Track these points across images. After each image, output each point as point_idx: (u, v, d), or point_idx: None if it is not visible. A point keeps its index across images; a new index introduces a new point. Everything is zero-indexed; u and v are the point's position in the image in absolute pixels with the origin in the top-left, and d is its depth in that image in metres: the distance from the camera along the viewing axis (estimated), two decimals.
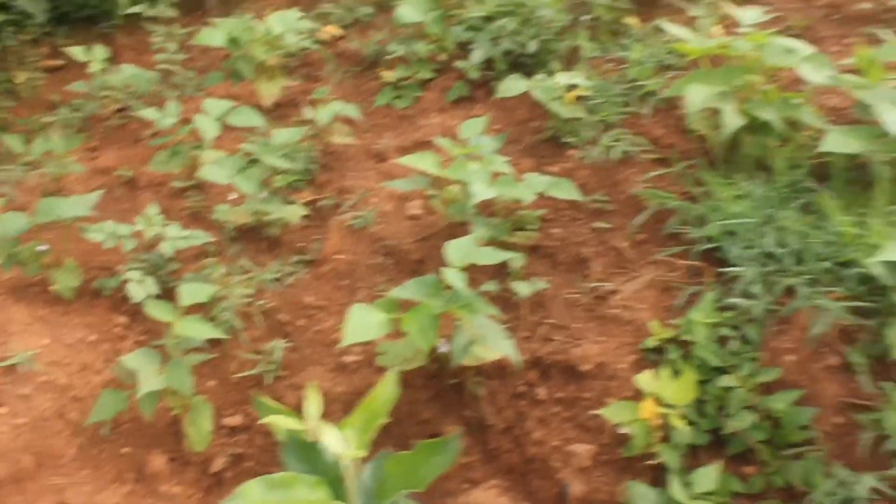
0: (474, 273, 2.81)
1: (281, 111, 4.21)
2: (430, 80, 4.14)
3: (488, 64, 3.97)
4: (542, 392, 2.63)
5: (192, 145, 3.62)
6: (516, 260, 2.86)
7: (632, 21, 4.05)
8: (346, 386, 2.83)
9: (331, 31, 4.75)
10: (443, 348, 2.62)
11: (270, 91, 4.23)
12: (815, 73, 2.87)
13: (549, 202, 3.12)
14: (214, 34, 4.15)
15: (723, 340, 2.53)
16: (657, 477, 2.36)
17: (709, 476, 2.25)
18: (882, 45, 2.96)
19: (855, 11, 4.02)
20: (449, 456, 1.78)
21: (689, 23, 3.74)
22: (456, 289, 2.46)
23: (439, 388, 2.74)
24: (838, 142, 2.67)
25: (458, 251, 2.57)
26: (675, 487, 2.23)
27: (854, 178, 2.82)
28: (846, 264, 2.51)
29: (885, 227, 2.46)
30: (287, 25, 4.26)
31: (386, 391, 1.87)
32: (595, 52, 3.90)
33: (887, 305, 2.38)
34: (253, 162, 3.47)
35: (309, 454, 1.84)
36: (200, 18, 4.89)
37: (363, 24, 4.85)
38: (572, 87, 3.48)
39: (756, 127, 2.97)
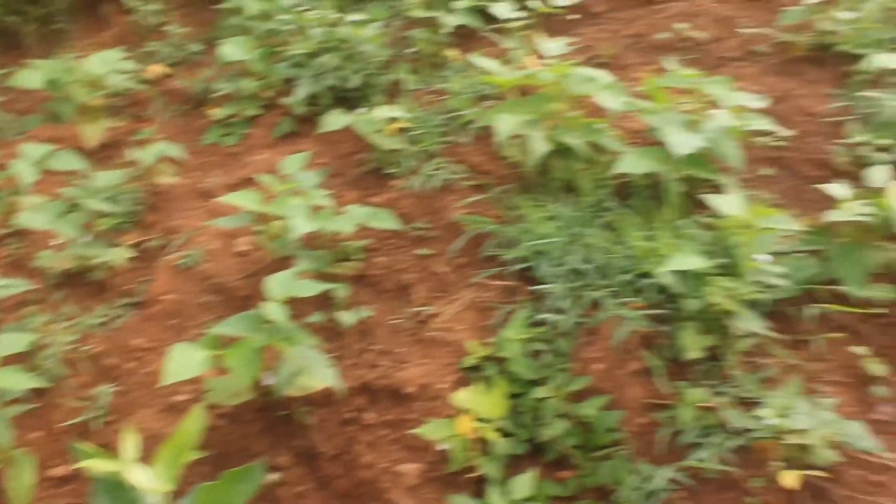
0: (301, 305, 2.88)
1: (106, 153, 4.15)
2: (257, 116, 4.19)
3: (313, 99, 4.05)
4: (369, 417, 2.70)
5: (10, 191, 3.53)
6: (340, 290, 2.93)
7: (451, 54, 4.22)
8: (177, 426, 2.81)
9: (157, 69, 4.72)
10: (269, 381, 2.65)
11: (94, 133, 4.17)
12: (612, 100, 3.09)
13: (374, 232, 3.21)
14: (32, 76, 4.07)
15: (536, 354, 2.68)
16: (482, 489, 2.47)
17: (525, 483, 2.37)
18: (668, 73, 3.21)
19: (656, 41, 4.33)
20: (254, 483, 1.82)
21: (505, 54, 3.94)
22: (277, 322, 2.51)
23: (269, 420, 2.77)
24: (632, 163, 2.88)
25: (279, 285, 2.61)
26: (494, 496, 2.34)
27: (652, 195, 3.04)
28: (643, 276, 2.71)
29: (673, 240, 2.67)
30: (109, 66, 4.22)
31: (191, 425, 1.90)
32: (416, 85, 4.04)
33: (678, 311, 2.58)
34: (75, 206, 3.42)
35: (122, 494, 1.84)
36: (18, 59, 4.76)
37: (191, 62, 4.85)
38: (394, 119, 3.59)
39: (563, 151, 3.16)
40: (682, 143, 2.76)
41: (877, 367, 2.58)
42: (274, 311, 2.53)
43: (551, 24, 4.54)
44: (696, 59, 4.13)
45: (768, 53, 4.11)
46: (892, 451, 2.39)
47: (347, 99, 4.01)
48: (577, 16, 4.70)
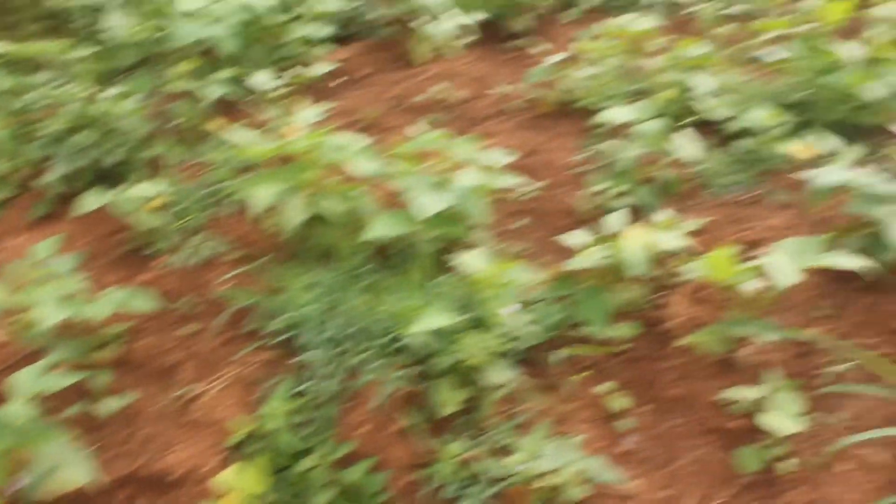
0: (60, 398, 2.76)
1: None
2: (11, 199, 4.00)
3: (71, 179, 3.91)
4: None
5: None
6: (100, 377, 2.84)
7: (214, 125, 4.21)
8: None
9: None
10: (19, 485, 2.51)
11: None
12: (365, 166, 3.18)
13: (136, 314, 3.13)
14: None
15: (301, 425, 2.69)
16: None
17: None
18: (417, 136, 3.35)
19: (417, 102, 4.51)
20: None
21: (266, 124, 3.98)
22: (24, 421, 2.40)
23: None
24: (381, 227, 2.97)
25: (25, 381, 2.51)
26: None
27: (409, 257, 3.15)
28: (401, 337, 2.79)
29: (425, 299, 2.77)
30: None
31: None
32: (179, 159, 4.00)
33: (434, 369, 2.68)
34: None
35: None
36: None
37: None
38: (155, 195, 3.54)
39: (321, 219, 3.21)
40: (427, 204, 2.87)
41: (621, 402, 2.77)
42: (20, 409, 2.42)
43: (317, 89, 4.64)
44: (454, 118, 4.33)
45: (520, 110, 4.37)
46: (637, 477, 2.57)
47: (107, 176, 3.91)
48: (343, 79, 4.83)
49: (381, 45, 5.17)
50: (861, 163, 3.57)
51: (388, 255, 3.18)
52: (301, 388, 2.77)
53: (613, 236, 3.03)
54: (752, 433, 2.65)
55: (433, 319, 2.58)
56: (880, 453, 2.59)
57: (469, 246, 3.13)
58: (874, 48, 4.31)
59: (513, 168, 3.63)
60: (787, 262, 2.67)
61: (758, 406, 2.68)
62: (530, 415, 2.68)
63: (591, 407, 2.77)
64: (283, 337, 2.95)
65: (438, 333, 2.66)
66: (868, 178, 3.22)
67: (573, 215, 3.59)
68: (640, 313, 3.05)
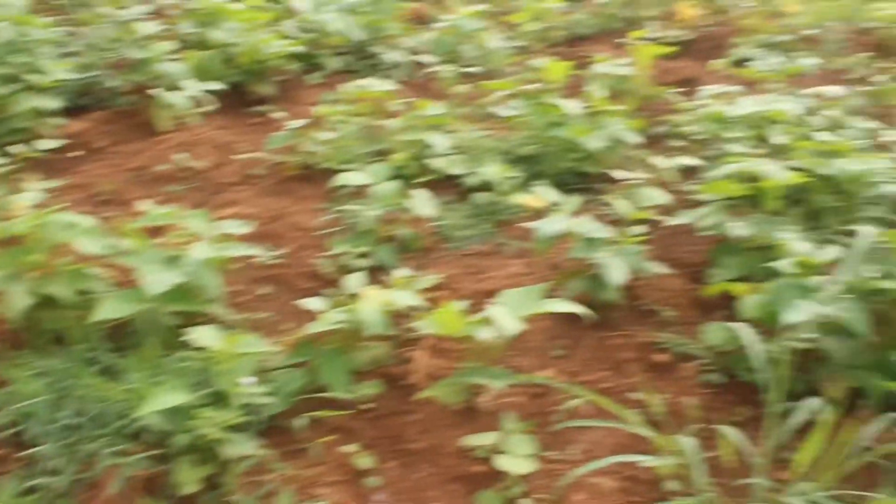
0: None
1: None
2: None
3: None
4: None
5: None
6: None
7: None
8: None
9: None
10: None
11: None
12: (94, 244, 3.08)
13: None
14: None
15: None
16: None
17: None
18: (146, 213, 3.29)
19: (158, 172, 4.43)
20: None
21: None
22: None
23: None
24: (110, 308, 2.88)
25: None
26: None
27: (146, 335, 3.07)
28: (136, 419, 2.72)
29: (158, 378, 2.72)
30: None
31: None
32: None
33: (172, 449, 2.62)
34: None
35: None
36: None
37: None
38: None
39: (52, 302, 3.07)
40: (157, 280, 2.83)
41: (367, 460, 2.83)
42: None
43: (50, 164, 4.45)
44: (197, 186, 4.29)
45: (264, 175, 4.40)
46: None
47: None
48: (80, 152, 4.66)
49: (120, 114, 5.04)
50: (583, 210, 3.87)
51: (124, 335, 3.09)
52: (32, 483, 2.62)
53: (352, 297, 3.11)
54: (493, 476, 2.78)
55: (167, 398, 2.54)
56: (609, 481, 2.79)
57: (208, 320, 3.10)
58: (593, 103, 4.71)
59: (256, 234, 3.66)
60: (508, 312, 2.84)
61: (496, 450, 2.81)
62: (275, 484, 2.68)
63: (337, 469, 2.80)
64: (10, 432, 2.78)
65: (175, 411, 2.60)
66: (587, 225, 3.51)
67: (317, 279, 3.64)
68: (384, 371, 3.13)
